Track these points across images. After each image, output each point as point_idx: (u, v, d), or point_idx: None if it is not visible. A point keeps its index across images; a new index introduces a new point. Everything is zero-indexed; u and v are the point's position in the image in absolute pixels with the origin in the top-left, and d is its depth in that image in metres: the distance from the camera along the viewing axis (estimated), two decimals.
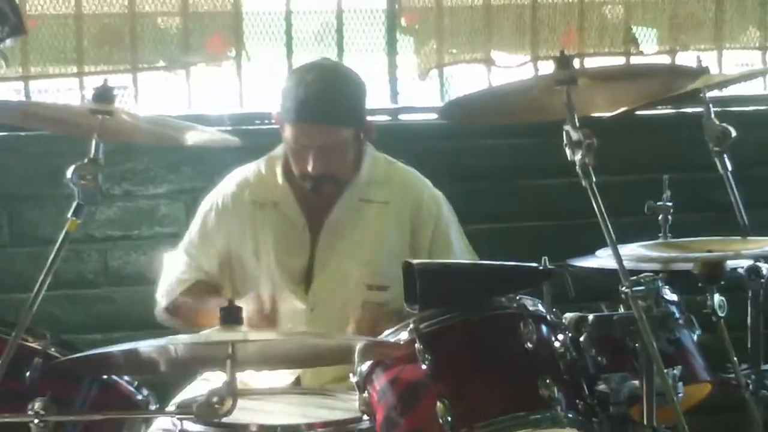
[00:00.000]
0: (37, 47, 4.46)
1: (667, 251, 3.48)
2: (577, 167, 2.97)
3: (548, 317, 3.25)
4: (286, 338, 3.19)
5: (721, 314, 3.30)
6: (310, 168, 3.78)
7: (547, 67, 3.28)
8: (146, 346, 3.36)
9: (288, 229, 3.92)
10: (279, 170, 3.93)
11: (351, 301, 3.88)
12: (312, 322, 3.86)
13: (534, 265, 3.28)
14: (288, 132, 3.80)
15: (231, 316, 2.80)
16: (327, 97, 3.80)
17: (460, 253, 4.01)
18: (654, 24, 4.98)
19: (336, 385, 3.65)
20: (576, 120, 3.01)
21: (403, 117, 4.79)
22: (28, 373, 3.00)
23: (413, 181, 4.03)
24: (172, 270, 3.95)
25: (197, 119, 3.88)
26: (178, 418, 3.06)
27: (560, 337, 3.21)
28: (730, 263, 3.36)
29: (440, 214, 4.05)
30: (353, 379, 3.31)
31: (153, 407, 3.17)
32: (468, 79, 4.90)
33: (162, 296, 3.95)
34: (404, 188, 4.00)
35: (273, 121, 3.95)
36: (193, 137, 3.52)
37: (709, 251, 3.41)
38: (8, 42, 2.89)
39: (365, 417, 3.16)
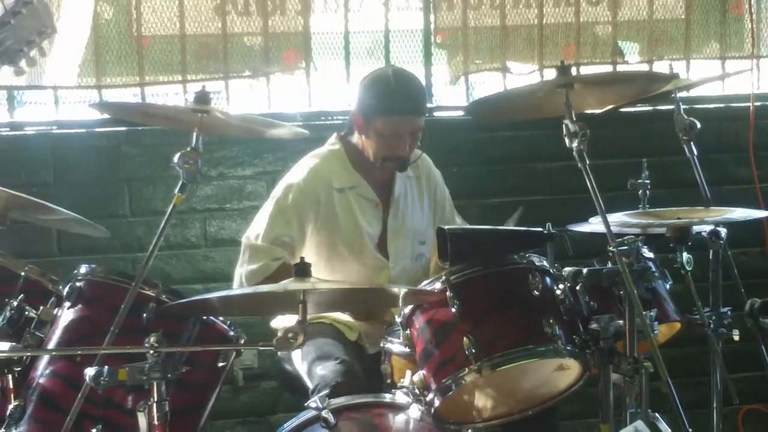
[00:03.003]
0: (150, 61, 4.47)
1: (645, 219, 3.46)
2: (574, 153, 2.97)
3: (551, 271, 3.23)
4: (342, 287, 3.20)
5: (688, 268, 3.28)
6: (402, 152, 3.82)
7: (551, 74, 3.27)
8: (236, 293, 3.40)
9: (367, 206, 3.93)
10: (347, 161, 3.91)
11: (411, 254, 3.92)
12: (392, 274, 3.91)
13: (540, 229, 3.27)
14: (381, 124, 3.78)
15: (302, 270, 2.80)
16: (415, 94, 3.86)
17: (455, 212, 4.16)
18: (636, 39, 4.95)
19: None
20: (573, 115, 3.00)
21: (438, 114, 4.78)
22: (144, 315, 3.01)
23: (424, 159, 4.07)
24: (253, 261, 3.82)
25: (275, 116, 3.91)
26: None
27: (560, 286, 3.20)
28: (696, 228, 3.33)
29: (442, 183, 4.14)
30: (398, 320, 3.32)
31: (242, 341, 3.18)
32: (488, 84, 4.88)
33: (242, 282, 3.82)
34: (423, 165, 4.04)
35: (351, 118, 3.91)
36: (272, 130, 3.52)
37: (679, 218, 3.39)
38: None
39: None
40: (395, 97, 3.80)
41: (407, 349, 3.29)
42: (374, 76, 3.90)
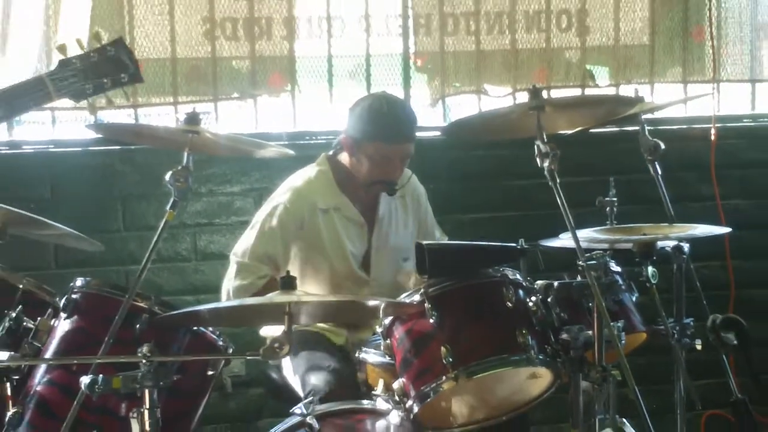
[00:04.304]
0: (142, 83, 4.46)
1: (613, 234, 3.48)
2: (545, 171, 2.98)
3: (524, 283, 3.25)
4: (324, 301, 3.20)
5: (653, 281, 3.28)
6: (393, 176, 3.82)
7: (524, 97, 3.29)
8: (225, 305, 3.40)
9: (351, 227, 3.91)
10: (333, 182, 3.90)
11: (393, 271, 3.91)
12: (372, 289, 3.89)
13: (513, 244, 3.28)
14: (373, 149, 3.77)
15: (287, 284, 2.81)
16: (407, 122, 3.85)
17: (436, 226, 4.15)
18: (605, 64, 4.96)
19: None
20: (544, 136, 3.01)
21: (417, 134, 4.78)
22: (137, 325, 3.00)
23: (412, 178, 4.04)
24: (240, 277, 3.82)
25: (262, 136, 3.90)
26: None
27: (533, 298, 3.21)
28: (660, 243, 3.35)
29: (426, 201, 4.13)
30: (379, 330, 3.32)
31: (230, 351, 3.18)
32: (465, 105, 4.89)
33: (230, 296, 3.80)
34: (409, 184, 4.01)
35: (341, 143, 3.90)
36: (259, 150, 3.53)
37: (644, 234, 3.41)
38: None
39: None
40: (389, 124, 3.78)
41: (382, 359, 3.31)
42: (368, 102, 3.88)
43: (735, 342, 3.38)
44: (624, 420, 3.25)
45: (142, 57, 4.39)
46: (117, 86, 2.84)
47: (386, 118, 3.79)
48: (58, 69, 2.78)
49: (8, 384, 3.01)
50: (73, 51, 2.85)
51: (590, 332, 3.09)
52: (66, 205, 4.27)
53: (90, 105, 4.15)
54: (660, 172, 3.61)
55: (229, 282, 3.83)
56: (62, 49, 2.82)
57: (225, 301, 3.78)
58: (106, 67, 2.80)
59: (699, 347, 3.42)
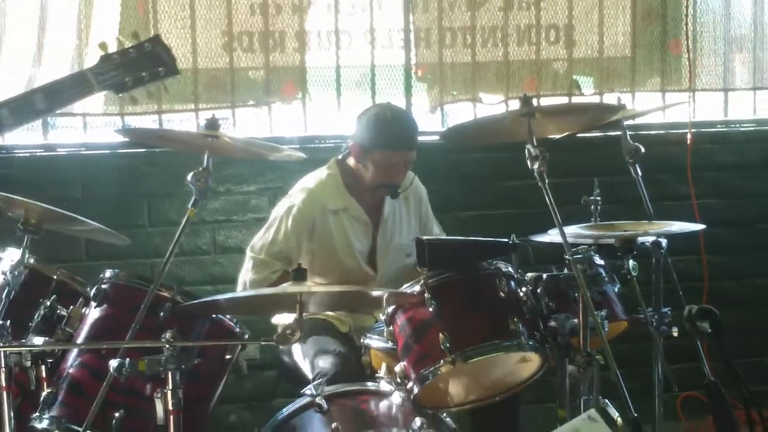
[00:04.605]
0: (168, 94, 4.45)
1: (597, 231, 3.47)
2: (535, 173, 2.98)
3: (515, 275, 3.25)
4: (332, 291, 3.20)
5: (634, 274, 3.28)
6: (396, 180, 3.82)
7: (516, 105, 3.29)
8: (242, 295, 3.40)
9: (357, 226, 3.91)
10: (341, 185, 3.90)
11: (397, 267, 3.90)
12: (378, 284, 3.88)
13: (506, 240, 3.28)
14: (379, 156, 3.77)
15: (299, 275, 2.81)
16: (410, 131, 3.85)
17: (435, 223, 4.13)
18: (590, 74, 4.95)
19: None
20: (534, 141, 3.01)
21: (418, 140, 4.78)
22: (161, 313, 3.02)
23: (415, 180, 4.04)
24: (255, 272, 3.83)
25: (275, 140, 3.88)
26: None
27: (524, 289, 3.22)
28: (640, 239, 3.35)
29: (427, 200, 4.12)
30: (382, 318, 3.33)
31: (246, 336, 3.18)
32: (461, 112, 4.88)
33: (246, 287, 3.83)
34: (411, 186, 4.00)
35: (348, 149, 3.89)
36: (273, 152, 3.52)
37: (626, 231, 3.40)
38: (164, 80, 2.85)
39: None
40: (393, 133, 3.78)
41: (385, 344, 3.31)
42: (374, 112, 3.88)
43: (709, 330, 3.38)
44: (606, 401, 3.24)
45: None
46: (155, 79, 2.80)
47: (390, 128, 3.79)
48: (100, 64, 2.74)
49: (43, 366, 3.02)
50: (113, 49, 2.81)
51: (576, 320, 3.10)
52: (96, 203, 4.27)
53: (121, 101, 4.11)
54: (640, 173, 3.61)
55: (246, 275, 3.84)
56: (103, 46, 2.79)
57: (241, 291, 3.78)
58: (145, 62, 2.77)
59: (675, 334, 3.42)
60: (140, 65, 2.77)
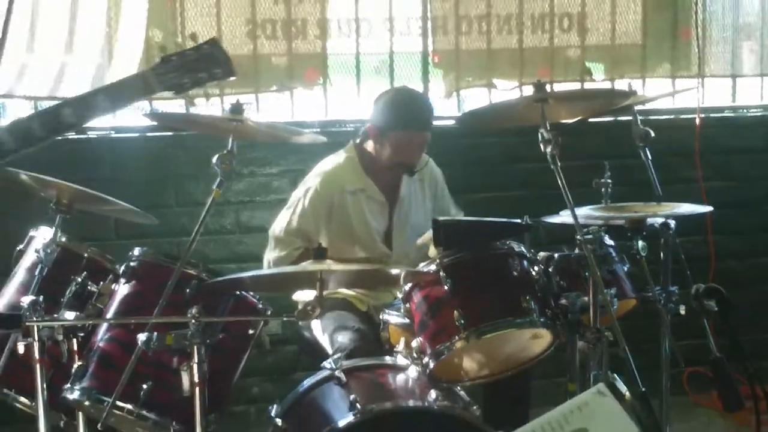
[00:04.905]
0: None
1: (607, 212, 3.46)
2: (548, 156, 2.97)
3: (528, 255, 3.24)
4: (351, 269, 3.20)
5: (643, 254, 3.27)
6: (413, 159, 3.82)
7: (529, 90, 3.27)
8: (265, 272, 3.41)
9: (374, 206, 3.92)
10: (359, 166, 3.90)
11: (412, 246, 3.89)
12: (393, 262, 3.89)
13: (519, 221, 3.27)
14: (397, 137, 3.77)
15: (320, 254, 2.81)
16: (426, 112, 3.85)
17: (452, 203, 4.12)
18: (601, 60, 4.94)
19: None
20: (547, 125, 2.99)
21: (434, 123, 4.76)
22: (187, 290, 3.02)
23: (429, 162, 4.03)
24: (278, 249, 3.85)
25: (297, 124, 3.90)
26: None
27: (536, 268, 3.21)
28: (649, 220, 3.34)
29: (442, 181, 4.11)
30: (399, 295, 3.33)
31: (269, 312, 3.19)
32: (476, 98, 4.87)
33: (270, 265, 3.85)
34: (426, 168, 4.01)
35: (366, 131, 3.88)
36: (295, 136, 3.53)
37: (635, 212, 3.39)
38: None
39: None
40: (409, 114, 3.79)
41: (403, 320, 3.31)
42: (391, 95, 3.90)
43: (715, 308, 3.36)
44: (615, 375, 3.24)
45: None
46: (212, 80, 2.78)
47: (406, 109, 3.80)
48: (160, 65, 2.73)
49: (75, 340, 3.03)
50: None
51: (586, 298, 3.09)
52: (125, 184, 4.28)
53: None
54: (650, 157, 3.58)
55: (270, 254, 3.86)
56: (162, 48, 2.79)
57: (266, 269, 3.80)
58: (203, 63, 2.75)
59: (683, 312, 3.41)
60: (198, 66, 2.75)
